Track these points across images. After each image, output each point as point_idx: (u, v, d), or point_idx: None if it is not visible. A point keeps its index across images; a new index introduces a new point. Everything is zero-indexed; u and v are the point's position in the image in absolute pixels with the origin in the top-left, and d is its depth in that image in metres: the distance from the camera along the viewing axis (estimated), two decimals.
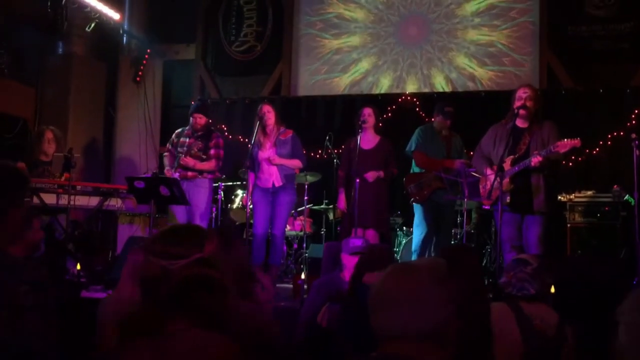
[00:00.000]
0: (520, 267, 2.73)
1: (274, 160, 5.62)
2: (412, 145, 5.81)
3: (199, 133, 5.92)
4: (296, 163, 5.77)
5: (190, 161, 5.76)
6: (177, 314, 1.46)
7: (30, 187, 5.31)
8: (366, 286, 2.77)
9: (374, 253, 3.22)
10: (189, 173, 5.78)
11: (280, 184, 5.64)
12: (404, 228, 6.81)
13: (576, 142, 4.50)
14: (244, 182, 6.46)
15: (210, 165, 5.85)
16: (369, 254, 3.20)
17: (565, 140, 4.52)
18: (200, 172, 5.83)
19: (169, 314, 1.46)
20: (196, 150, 5.74)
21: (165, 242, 1.57)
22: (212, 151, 5.87)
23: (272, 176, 5.62)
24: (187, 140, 5.91)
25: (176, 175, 5.71)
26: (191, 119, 5.98)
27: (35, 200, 5.38)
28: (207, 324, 1.47)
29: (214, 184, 6.70)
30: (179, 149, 5.89)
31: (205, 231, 1.78)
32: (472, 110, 7.03)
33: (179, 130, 6.15)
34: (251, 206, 5.77)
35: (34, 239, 3.96)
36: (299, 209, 6.80)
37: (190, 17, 8.63)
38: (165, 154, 6.13)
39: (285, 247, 6.66)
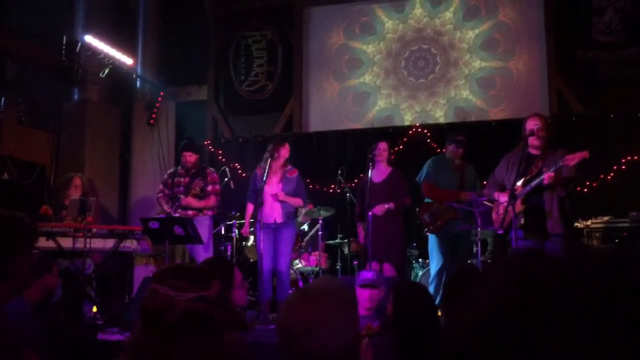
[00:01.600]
0: None
1: (280, 197, 5.66)
2: (422, 175, 5.83)
3: (192, 171, 6.01)
4: (298, 202, 5.85)
5: (192, 201, 5.85)
6: (178, 346, 1.53)
7: (44, 232, 5.39)
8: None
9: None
10: (190, 212, 5.85)
11: (281, 220, 5.67)
12: (420, 260, 6.76)
13: (584, 153, 4.47)
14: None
15: (209, 202, 5.96)
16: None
17: (573, 153, 4.51)
18: (201, 210, 5.90)
19: (170, 345, 1.52)
20: (198, 190, 5.82)
21: (176, 275, 1.64)
22: (209, 187, 5.97)
23: (274, 212, 5.65)
24: (182, 179, 6.00)
25: (177, 215, 5.77)
26: (181, 157, 6.09)
27: (52, 243, 5.43)
28: (204, 358, 1.55)
29: (228, 222, 6.75)
30: (174, 189, 5.98)
31: (212, 273, 1.85)
32: (483, 140, 7.03)
33: (171, 170, 6.26)
34: (252, 238, 5.81)
35: (52, 283, 4.00)
36: (311, 233, 6.79)
37: (201, 58, 8.80)
38: (159, 195, 6.19)
39: (301, 283, 6.64)
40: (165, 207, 6.00)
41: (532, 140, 4.77)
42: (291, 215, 5.86)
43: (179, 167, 6.18)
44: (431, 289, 5.55)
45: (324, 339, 1.40)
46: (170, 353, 1.52)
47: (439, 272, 5.53)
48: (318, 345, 1.40)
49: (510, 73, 7.64)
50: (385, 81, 8.10)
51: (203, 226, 5.88)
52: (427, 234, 5.74)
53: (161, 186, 6.26)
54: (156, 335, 1.53)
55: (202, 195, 5.93)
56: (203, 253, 5.91)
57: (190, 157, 6.05)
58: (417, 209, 5.81)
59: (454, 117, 7.75)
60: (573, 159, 4.49)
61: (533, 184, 4.65)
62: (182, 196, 5.85)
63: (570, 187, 4.81)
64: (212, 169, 6.31)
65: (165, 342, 1.52)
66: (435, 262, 5.61)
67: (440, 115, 7.85)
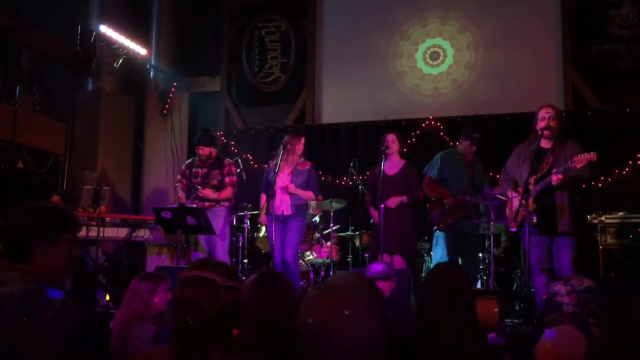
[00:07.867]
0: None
1: (290, 189, 5.64)
2: (428, 168, 5.82)
3: (209, 162, 6.00)
4: (310, 195, 5.80)
5: (208, 192, 5.84)
6: (211, 342, 1.54)
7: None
8: None
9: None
10: (207, 203, 5.86)
11: (289, 212, 5.64)
12: (432, 253, 6.74)
13: (592, 155, 4.45)
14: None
15: (226, 193, 5.95)
16: None
17: (581, 155, 4.48)
18: (217, 201, 5.91)
19: (205, 341, 1.54)
20: (216, 182, 5.82)
21: (198, 268, 1.64)
22: (226, 179, 5.96)
23: (283, 204, 5.63)
24: (200, 170, 6.00)
25: (193, 206, 5.77)
26: (196, 150, 6.10)
27: None
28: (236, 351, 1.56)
29: (240, 213, 6.76)
30: (192, 179, 5.99)
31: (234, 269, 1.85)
32: (497, 134, 6.98)
33: (189, 161, 6.26)
34: (264, 229, 5.79)
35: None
36: (325, 232, 6.79)
37: (215, 50, 8.81)
38: (177, 184, 6.21)
39: (312, 275, 6.65)
40: (181, 196, 6.00)
41: (545, 132, 4.76)
42: (301, 207, 5.82)
43: (196, 158, 6.15)
44: None
45: (345, 338, 1.32)
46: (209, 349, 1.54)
47: None
48: (339, 345, 1.32)
49: (525, 67, 7.56)
50: (399, 72, 8.06)
51: (220, 217, 5.88)
52: (436, 230, 5.72)
53: (179, 176, 6.25)
54: (192, 334, 1.54)
55: (219, 186, 5.92)
56: (220, 244, 5.90)
57: (203, 151, 6.03)
58: (428, 205, 5.78)
59: (467, 110, 7.67)
60: (580, 161, 4.48)
61: (542, 182, 4.65)
62: (199, 187, 5.84)
63: (578, 184, 4.80)
64: (229, 160, 6.26)
65: (202, 340, 1.53)
66: (438, 258, 5.58)
67: (454, 107, 7.77)
